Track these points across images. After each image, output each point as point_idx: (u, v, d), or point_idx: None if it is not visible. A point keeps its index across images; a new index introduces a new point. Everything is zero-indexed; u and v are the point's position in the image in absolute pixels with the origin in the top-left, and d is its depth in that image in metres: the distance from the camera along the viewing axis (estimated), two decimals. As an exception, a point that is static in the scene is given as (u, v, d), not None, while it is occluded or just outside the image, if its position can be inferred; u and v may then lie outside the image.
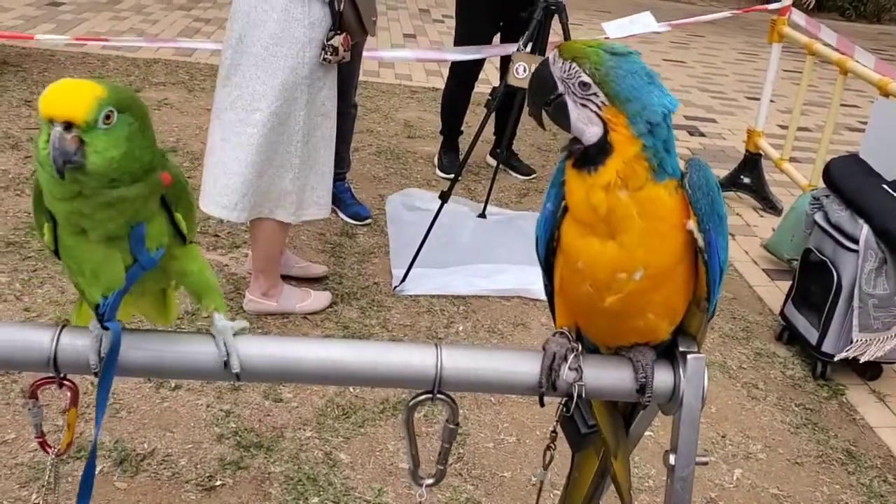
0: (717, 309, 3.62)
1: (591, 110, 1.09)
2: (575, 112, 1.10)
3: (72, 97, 0.98)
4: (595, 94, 1.08)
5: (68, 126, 0.98)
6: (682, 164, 1.17)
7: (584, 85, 1.08)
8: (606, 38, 4.86)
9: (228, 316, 1.19)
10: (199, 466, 2.39)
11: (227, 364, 1.12)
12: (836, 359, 3.14)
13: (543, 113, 1.14)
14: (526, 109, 1.21)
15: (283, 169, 2.93)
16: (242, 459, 2.43)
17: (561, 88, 1.11)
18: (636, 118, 1.07)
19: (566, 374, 1.13)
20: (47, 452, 1.26)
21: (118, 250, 1.08)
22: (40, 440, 1.24)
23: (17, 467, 2.30)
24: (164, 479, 2.33)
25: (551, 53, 1.12)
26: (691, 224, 1.09)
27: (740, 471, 2.67)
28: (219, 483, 2.34)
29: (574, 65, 1.08)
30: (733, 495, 2.56)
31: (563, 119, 1.12)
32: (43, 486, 2.25)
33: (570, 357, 1.14)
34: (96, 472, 2.30)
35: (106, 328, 1.11)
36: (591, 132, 1.09)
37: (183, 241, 1.17)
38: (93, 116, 0.98)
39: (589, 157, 1.09)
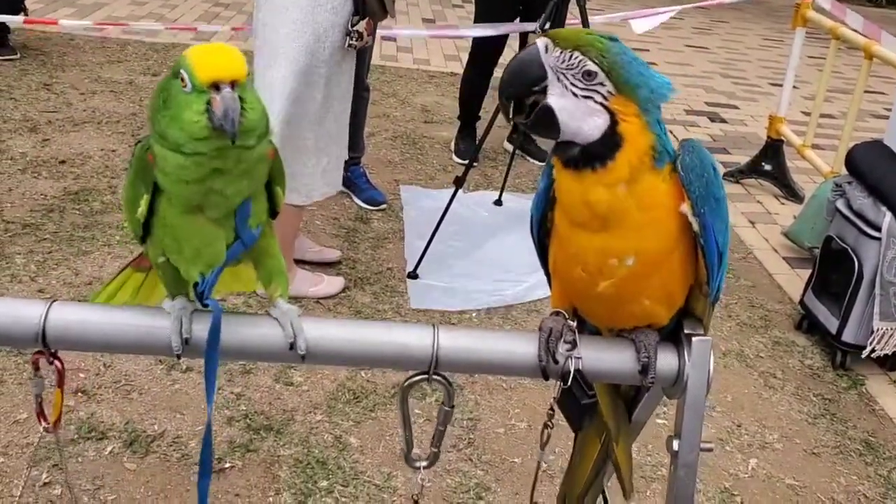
0: (736, 297, 3.59)
1: (596, 101, 1.01)
2: (570, 107, 1.02)
3: (228, 56, 0.99)
4: (601, 83, 1.01)
5: (232, 86, 0.98)
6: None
7: (589, 74, 1.01)
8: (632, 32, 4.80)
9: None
10: (208, 448, 2.39)
11: (293, 346, 1.10)
12: (863, 354, 3.07)
13: (520, 111, 1.05)
14: (502, 88, 1.10)
15: (299, 152, 2.91)
16: (252, 442, 2.43)
17: (550, 78, 1.02)
18: (648, 104, 1.02)
19: (563, 348, 1.10)
20: (41, 424, 1.24)
21: (223, 228, 1.08)
22: (38, 412, 1.23)
23: (29, 447, 2.31)
24: (174, 461, 2.33)
25: (541, 41, 1.03)
26: (685, 207, 1.05)
27: (756, 461, 2.63)
28: (228, 465, 2.34)
29: (577, 53, 1.01)
30: (748, 485, 2.52)
31: (548, 125, 1.03)
32: (55, 465, 2.26)
33: (566, 332, 1.11)
34: (107, 453, 2.32)
35: (206, 306, 1.11)
36: (590, 126, 1.02)
37: (272, 217, 1.17)
38: (248, 72, 1.00)
39: (591, 153, 1.02)
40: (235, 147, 1.00)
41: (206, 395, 1.17)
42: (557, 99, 1.02)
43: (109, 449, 2.35)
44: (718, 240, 1.07)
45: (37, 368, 1.15)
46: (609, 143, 1.01)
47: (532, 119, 1.04)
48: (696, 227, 1.05)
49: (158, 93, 1.03)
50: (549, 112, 1.02)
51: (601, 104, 1.01)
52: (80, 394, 2.53)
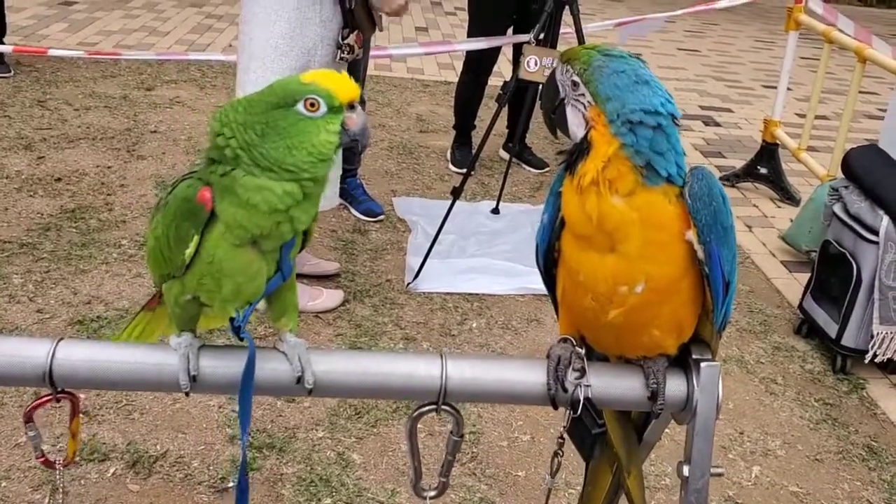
0: (735, 302, 3.58)
1: (579, 110, 1.11)
2: (570, 114, 1.12)
3: (348, 78, 1.06)
4: (583, 93, 1.09)
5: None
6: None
7: (574, 84, 1.11)
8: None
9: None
10: (211, 468, 2.38)
11: (300, 379, 1.11)
12: (866, 359, 3.08)
13: (552, 120, 1.17)
14: (539, 102, 1.26)
15: None
16: (255, 461, 2.42)
17: (562, 93, 1.13)
18: (614, 116, 1.06)
19: (572, 376, 1.11)
20: (53, 468, 1.25)
21: (267, 262, 1.10)
22: (42, 460, 1.24)
23: (30, 470, 2.30)
24: (177, 481, 2.32)
25: (557, 60, 1.16)
26: (690, 234, 1.07)
27: (759, 468, 2.63)
28: (231, 484, 2.33)
29: (568, 66, 1.12)
30: (752, 493, 2.52)
31: (564, 124, 1.14)
32: (56, 488, 2.24)
33: (575, 359, 1.11)
34: (109, 475, 2.31)
35: (241, 339, 1.13)
36: (580, 131, 1.11)
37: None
38: None
39: (574, 155, 1.11)
40: (312, 177, 1.04)
41: (240, 429, 1.17)
42: (567, 105, 1.14)
43: (112, 471, 2.34)
44: (724, 268, 1.07)
45: (31, 420, 1.15)
46: (583, 147, 1.09)
47: (556, 115, 1.15)
48: (700, 254, 1.06)
49: (251, 126, 1.03)
50: (565, 111, 1.14)
51: (582, 113, 1.10)
52: (81, 415, 2.51)
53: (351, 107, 1.05)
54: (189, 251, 1.07)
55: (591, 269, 1.09)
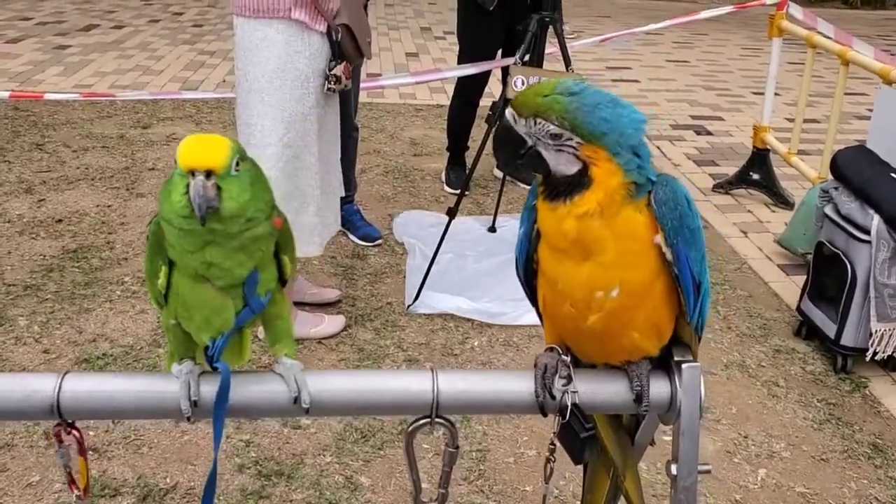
0: (734, 308, 3.61)
1: (568, 153, 1.10)
2: (552, 158, 1.11)
3: (210, 148, 1.06)
4: (569, 139, 1.09)
5: (208, 175, 1.05)
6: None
7: (555, 136, 1.09)
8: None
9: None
10: (221, 498, 2.40)
11: (297, 399, 1.15)
12: (868, 357, 3.10)
13: (518, 167, 1.16)
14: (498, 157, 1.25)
15: (306, 202, 2.96)
16: (264, 489, 2.44)
17: (531, 142, 1.12)
18: (617, 147, 1.08)
19: (559, 383, 1.14)
20: (73, 492, 1.30)
21: (232, 296, 1.13)
22: (69, 481, 1.28)
23: (43, 509, 2.33)
24: (188, 513, 2.35)
25: (508, 112, 1.13)
26: (658, 238, 1.11)
27: (765, 471, 2.64)
28: (241, 513, 2.35)
29: (539, 119, 1.10)
30: (759, 496, 2.54)
31: (540, 166, 1.13)
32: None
33: (561, 367, 1.15)
34: (121, 510, 2.33)
35: (215, 368, 1.16)
36: (569, 170, 1.11)
37: (282, 284, 1.22)
38: (229, 164, 1.06)
39: (563, 188, 1.11)
40: (209, 229, 1.06)
41: (213, 447, 1.21)
42: (543, 150, 1.12)
43: (123, 505, 2.36)
44: (693, 269, 1.11)
45: (60, 440, 1.19)
46: (580, 183, 1.10)
47: (525, 160, 1.14)
48: (669, 256, 1.11)
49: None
50: (538, 154, 1.12)
51: (574, 154, 1.10)
52: (91, 451, 2.55)
53: (194, 174, 1.05)
54: (160, 282, 1.13)
55: (567, 278, 1.13)
